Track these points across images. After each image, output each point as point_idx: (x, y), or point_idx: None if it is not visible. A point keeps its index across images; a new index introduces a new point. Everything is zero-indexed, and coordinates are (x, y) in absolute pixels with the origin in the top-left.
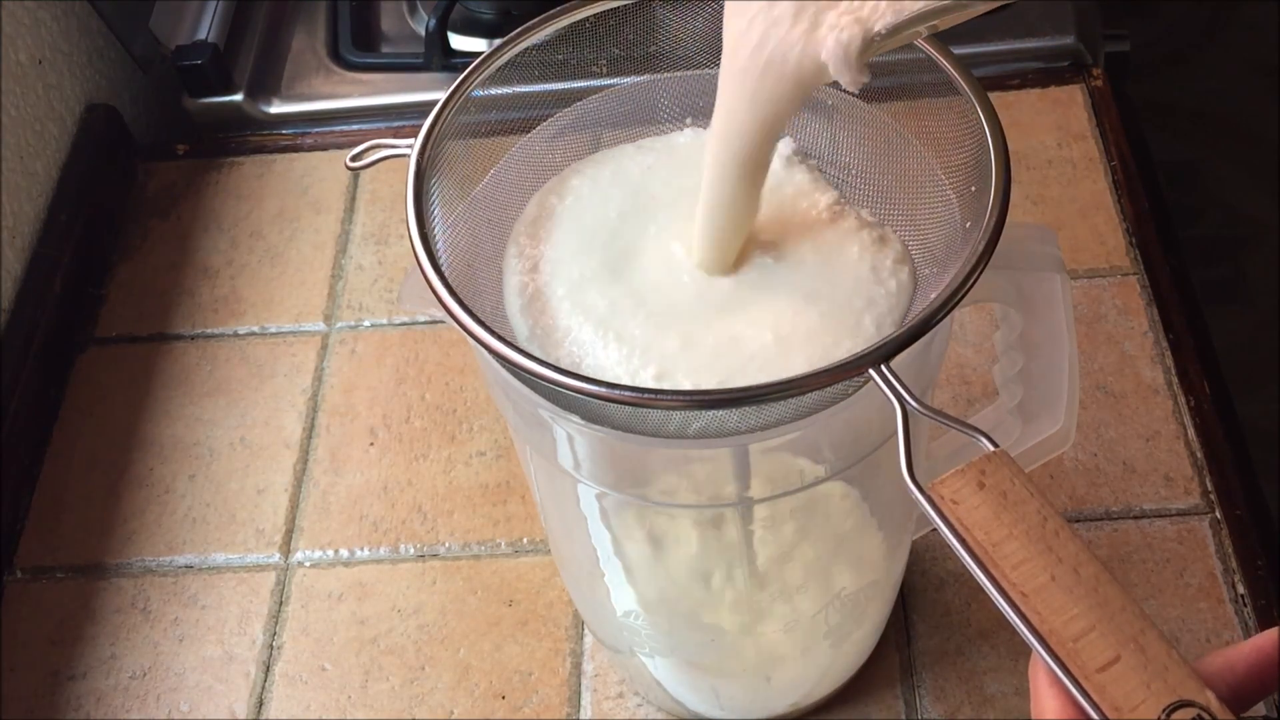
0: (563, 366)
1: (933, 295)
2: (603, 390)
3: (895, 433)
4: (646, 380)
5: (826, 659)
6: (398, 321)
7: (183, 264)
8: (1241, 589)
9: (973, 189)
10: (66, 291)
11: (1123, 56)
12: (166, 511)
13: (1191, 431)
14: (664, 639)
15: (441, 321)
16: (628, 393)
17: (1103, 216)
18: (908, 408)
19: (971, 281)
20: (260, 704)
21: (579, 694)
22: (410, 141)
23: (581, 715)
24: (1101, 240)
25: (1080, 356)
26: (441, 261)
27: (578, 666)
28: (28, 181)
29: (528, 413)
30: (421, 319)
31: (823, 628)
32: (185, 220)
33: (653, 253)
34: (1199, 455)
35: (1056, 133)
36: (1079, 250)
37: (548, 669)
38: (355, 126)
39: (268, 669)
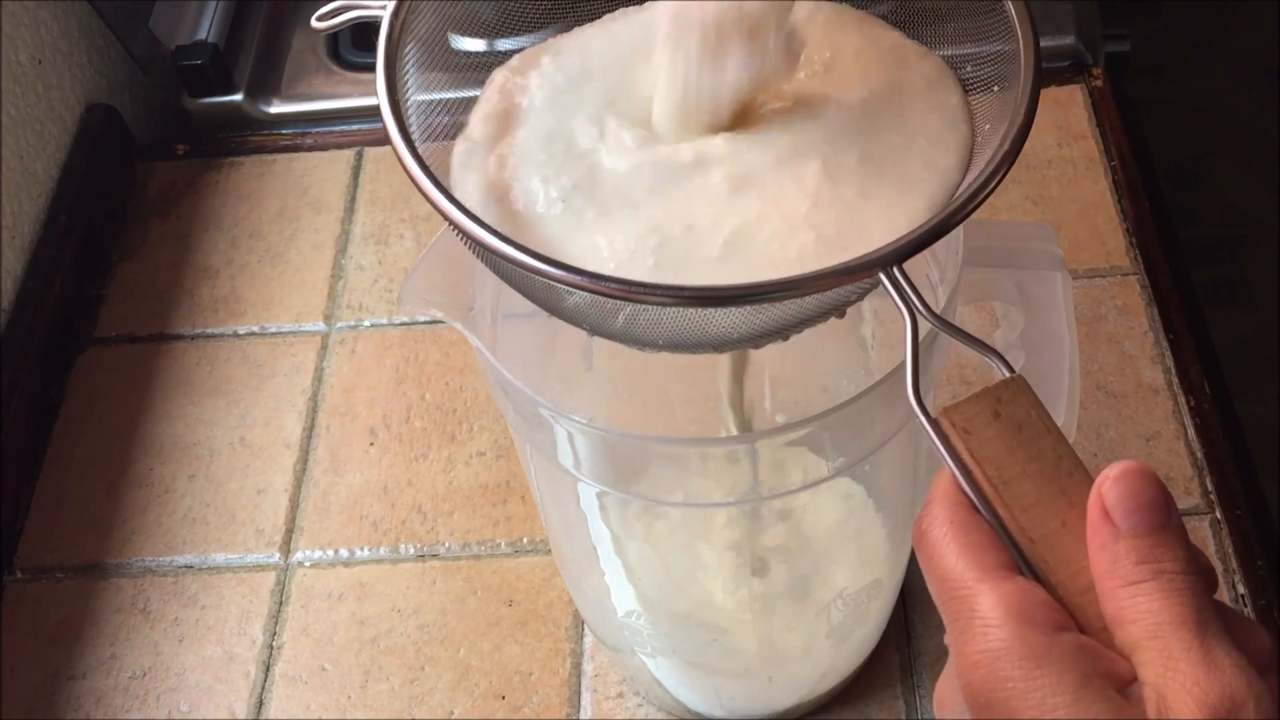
0: (549, 256)
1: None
2: (581, 280)
3: (899, 429)
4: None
5: (828, 658)
6: (398, 321)
7: (183, 264)
8: (1242, 589)
9: (995, 89)
10: (66, 291)
11: (1123, 56)
12: (166, 511)
13: (1191, 431)
14: (665, 639)
15: (441, 321)
16: (613, 285)
17: (1103, 216)
18: (919, 317)
19: (1004, 172)
20: (260, 704)
21: (579, 694)
22: (384, 1)
23: (581, 715)
24: (1101, 240)
25: (1080, 356)
26: (415, 138)
27: (578, 666)
28: (28, 181)
29: (528, 411)
30: (421, 319)
31: (825, 627)
32: (185, 220)
33: (628, 123)
34: (1199, 455)
35: (1056, 132)
36: (1079, 250)
37: (548, 669)
38: (355, 126)
39: (268, 669)
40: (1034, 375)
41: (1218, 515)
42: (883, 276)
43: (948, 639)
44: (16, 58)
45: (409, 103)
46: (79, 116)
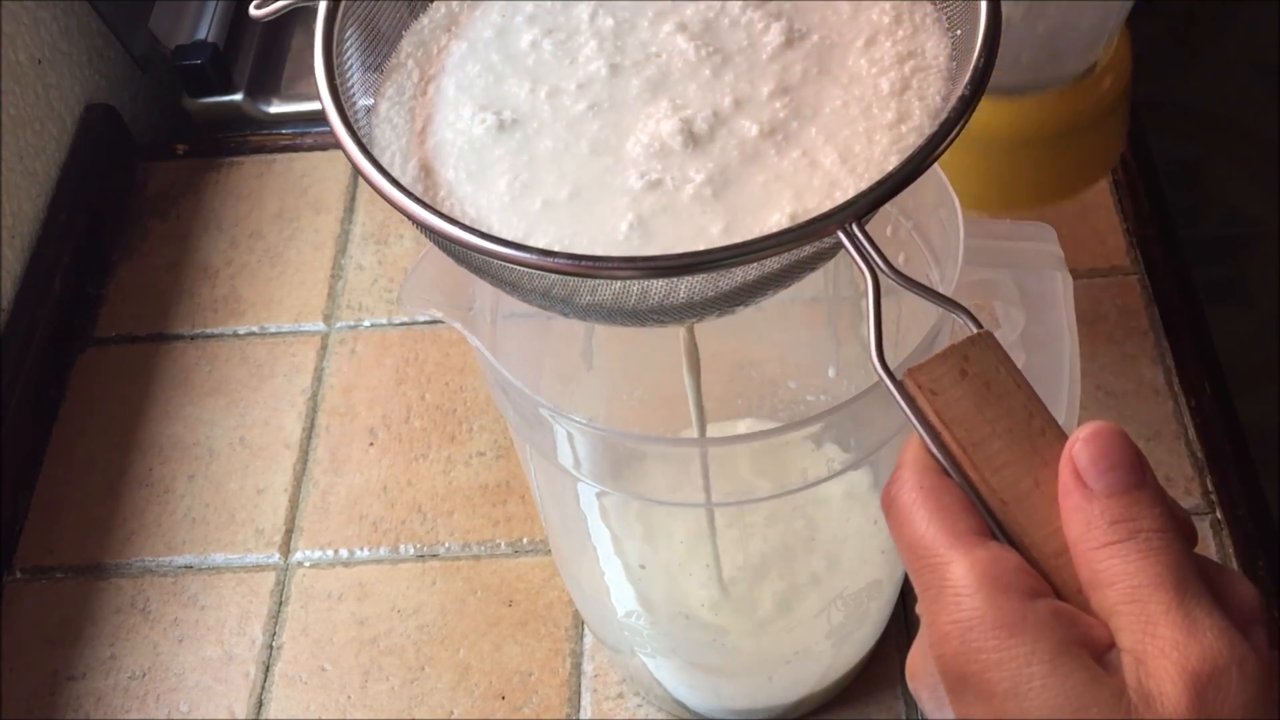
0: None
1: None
2: (530, 257)
3: (900, 429)
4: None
5: (828, 659)
6: (398, 321)
7: (182, 264)
8: None
9: (958, 33)
10: (66, 291)
11: None
12: (166, 511)
13: (1192, 431)
14: (665, 639)
15: (441, 321)
16: (562, 260)
17: (1103, 216)
18: (880, 273)
19: (961, 123)
20: (260, 704)
21: (579, 694)
22: None
23: (581, 715)
24: (1102, 240)
25: (1080, 356)
26: (354, 115)
27: (578, 666)
28: (27, 181)
29: (527, 411)
30: (421, 319)
31: (824, 627)
32: (185, 220)
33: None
34: (1199, 455)
35: None
36: (1079, 250)
37: (548, 669)
38: None
39: (267, 669)
40: (1034, 375)
41: (1218, 515)
42: (841, 235)
43: (919, 608)
44: (16, 58)
45: (352, 86)
46: (78, 116)
